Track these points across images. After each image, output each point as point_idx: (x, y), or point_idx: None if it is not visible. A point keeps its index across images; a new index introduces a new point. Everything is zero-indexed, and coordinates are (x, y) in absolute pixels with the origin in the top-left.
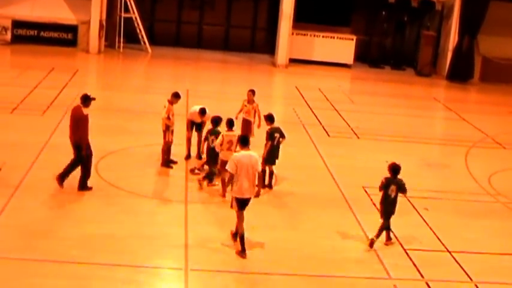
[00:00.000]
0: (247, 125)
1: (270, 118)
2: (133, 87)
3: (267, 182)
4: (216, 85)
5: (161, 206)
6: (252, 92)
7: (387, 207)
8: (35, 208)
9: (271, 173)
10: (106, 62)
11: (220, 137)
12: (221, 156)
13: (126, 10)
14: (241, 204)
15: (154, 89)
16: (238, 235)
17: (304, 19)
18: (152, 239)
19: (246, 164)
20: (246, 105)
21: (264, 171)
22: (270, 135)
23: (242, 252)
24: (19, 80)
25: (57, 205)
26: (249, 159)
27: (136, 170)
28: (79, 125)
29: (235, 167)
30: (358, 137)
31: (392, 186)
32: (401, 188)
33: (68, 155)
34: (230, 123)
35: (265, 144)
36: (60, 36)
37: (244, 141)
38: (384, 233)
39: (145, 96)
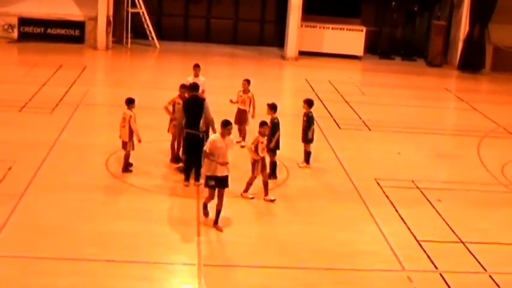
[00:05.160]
0: (241, 115)
1: (273, 107)
2: (142, 83)
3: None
4: (225, 79)
5: (172, 201)
6: (247, 81)
7: None
8: (46, 206)
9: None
10: (114, 58)
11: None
12: None
13: (133, 5)
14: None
15: (163, 84)
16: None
17: (313, 11)
18: (164, 235)
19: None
20: (241, 95)
21: (274, 162)
22: (274, 125)
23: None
24: (27, 78)
25: (68, 203)
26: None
27: (146, 165)
28: None
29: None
30: (370, 129)
31: None
32: None
33: (77, 152)
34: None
35: (271, 134)
36: (67, 33)
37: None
38: None
39: (154, 91)
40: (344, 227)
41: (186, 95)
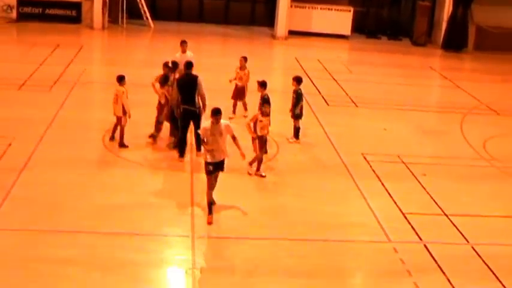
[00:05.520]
0: (239, 90)
1: (263, 85)
2: (137, 62)
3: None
4: (218, 58)
5: (167, 176)
6: (244, 58)
7: None
8: (45, 180)
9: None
10: (110, 37)
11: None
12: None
13: None
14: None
15: (158, 63)
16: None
17: None
18: (159, 208)
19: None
20: (238, 72)
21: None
22: (264, 101)
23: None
24: (26, 57)
25: (66, 177)
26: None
27: (140, 141)
28: None
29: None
30: (357, 106)
31: None
32: None
33: (75, 128)
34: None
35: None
36: (65, 13)
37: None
38: None
39: (148, 70)
40: (332, 200)
41: (176, 74)
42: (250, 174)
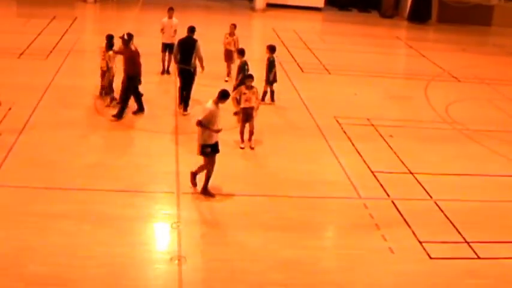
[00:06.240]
0: (228, 54)
1: (241, 52)
2: (126, 32)
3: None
4: (201, 28)
5: (154, 137)
6: (234, 25)
7: None
8: (41, 142)
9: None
10: (101, 10)
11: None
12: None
13: None
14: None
15: (146, 33)
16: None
17: None
18: (147, 167)
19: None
20: (227, 37)
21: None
22: (242, 68)
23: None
24: (25, 28)
25: (60, 139)
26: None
27: (130, 106)
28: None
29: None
30: (329, 73)
31: None
32: None
33: (69, 93)
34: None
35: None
36: None
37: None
38: None
39: (138, 39)
40: (306, 159)
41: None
42: (252, 148)
